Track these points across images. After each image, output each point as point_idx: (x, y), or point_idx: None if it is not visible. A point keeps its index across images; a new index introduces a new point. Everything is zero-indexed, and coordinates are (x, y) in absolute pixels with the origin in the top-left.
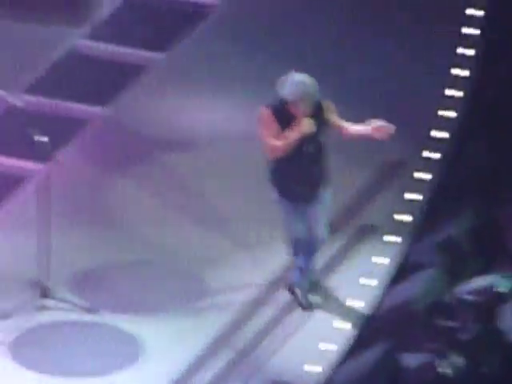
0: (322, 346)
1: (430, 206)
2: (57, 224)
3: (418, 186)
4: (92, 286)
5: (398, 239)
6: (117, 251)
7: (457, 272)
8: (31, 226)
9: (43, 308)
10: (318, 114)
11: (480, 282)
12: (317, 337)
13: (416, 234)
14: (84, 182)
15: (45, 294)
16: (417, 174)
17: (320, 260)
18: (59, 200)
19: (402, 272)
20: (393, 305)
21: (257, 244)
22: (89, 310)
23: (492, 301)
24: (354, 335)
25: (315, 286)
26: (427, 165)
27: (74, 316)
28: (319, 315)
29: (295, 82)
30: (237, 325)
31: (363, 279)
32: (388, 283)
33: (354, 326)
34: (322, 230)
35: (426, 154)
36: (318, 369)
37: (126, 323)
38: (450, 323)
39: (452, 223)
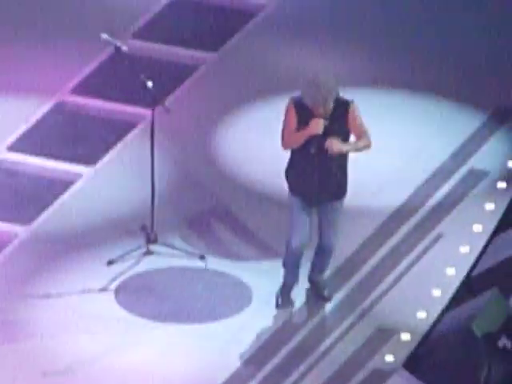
0: (435, 292)
1: None
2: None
3: None
4: (199, 232)
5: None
6: (223, 198)
7: None
8: (137, 172)
9: (150, 254)
10: (339, 114)
11: None
12: (427, 283)
13: None
14: (188, 129)
15: (151, 239)
16: None
17: None
18: (162, 146)
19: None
20: (502, 252)
21: None
22: (196, 256)
23: None
24: (463, 281)
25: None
26: None
27: (181, 262)
28: (429, 261)
29: (308, 84)
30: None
31: (476, 226)
32: (497, 230)
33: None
34: (330, 239)
35: None
36: (425, 315)
37: (232, 269)
38: None
39: None
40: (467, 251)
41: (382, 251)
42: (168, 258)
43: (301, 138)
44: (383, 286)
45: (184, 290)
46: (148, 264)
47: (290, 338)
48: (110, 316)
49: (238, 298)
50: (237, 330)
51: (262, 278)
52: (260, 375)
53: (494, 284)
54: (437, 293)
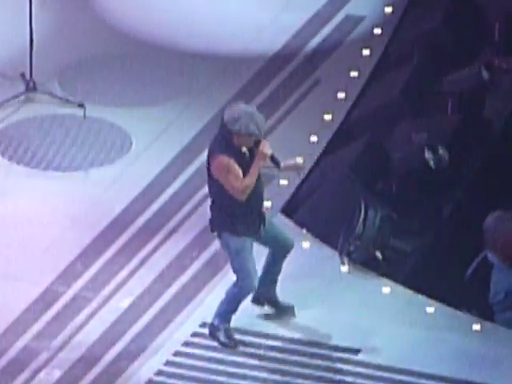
0: (312, 138)
1: None
2: None
3: None
4: (78, 79)
5: None
6: (103, 45)
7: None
8: (15, 19)
9: (29, 101)
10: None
11: (465, 72)
12: (305, 129)
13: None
14: None
15: (30, 87)
16: None
17: None
18: None
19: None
20: (378, 98)
21: None
22: (76, 104)
23: (477, 89)
24: (339, 127)
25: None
26: None
27: (61, 110)
28: (307, 107)
29: (249, 116)
30: None
31: (353, 72)
32: (372, 76)
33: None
34: (288, 240)
35: None
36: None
37: (111, 116)
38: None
39: None
40: (343, 97)
41: (262, 96)
42: (47, 105)
43: (257, 170)
44: None
45: (64, 137)
46: (27, 112)
47: (170, 183)
48: None
49: (117, 144)
50: (117, 176)
51: (141, 124)
52: (141, 219)
53: (370, 129)
54: (314, 138)
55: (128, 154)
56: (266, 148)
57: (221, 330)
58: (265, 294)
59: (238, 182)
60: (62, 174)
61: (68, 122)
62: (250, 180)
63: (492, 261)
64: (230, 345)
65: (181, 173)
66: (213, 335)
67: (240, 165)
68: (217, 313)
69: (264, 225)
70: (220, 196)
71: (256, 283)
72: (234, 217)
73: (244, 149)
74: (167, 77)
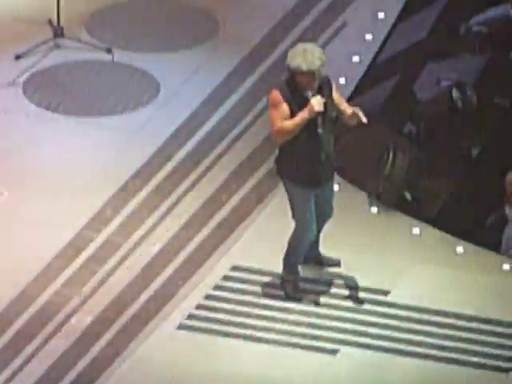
0: (341, 80)
1: None
2: None
3: None
4: (105, 25)
5: None
6: None
7: None
8: None
9: (56, 47)
10: (326, 90)
11: (492, 12)
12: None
13: None
14: None
15: (58, 33)
16: None
17: None
18: None
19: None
20: (404, 37)
21: None
22: (104, 49)
23: (505, 28)
24: (367, 69)
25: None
26: None
27: (89, 56)
28: (335, 49)
29: (300, 51)
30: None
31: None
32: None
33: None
34: (330, 214)
35: None
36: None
37: (139, 62)
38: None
39: None
40: (371, 38)
41: (291, 37)
42: (75, 51)
43: (304, 121)
44: None
45: (92, 83)
46: (55, 58)
47: (199, 127)
48: (19, 110)
49: (145, 90)
50: (144, 121)
51: (170, 70)
52: (169, 164)
53: (397, 71)
54: (342, 80)
55: (156, 99)
56: (316, 103)
57: (288, 282)
58: (309, 254)
59: (278, 121)
60: (90, 120)
61: (96, 67)
62: (289, 125)
63: (509, 214)
64: (296, 297)
65: (210, 117)
66: (282, 287)
67: (299, 108)
68: (283, 265)
69: (327, 179)
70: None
71: (313, 235)
72: (297, 165)
73: (309, 94)
74: (194, 21)
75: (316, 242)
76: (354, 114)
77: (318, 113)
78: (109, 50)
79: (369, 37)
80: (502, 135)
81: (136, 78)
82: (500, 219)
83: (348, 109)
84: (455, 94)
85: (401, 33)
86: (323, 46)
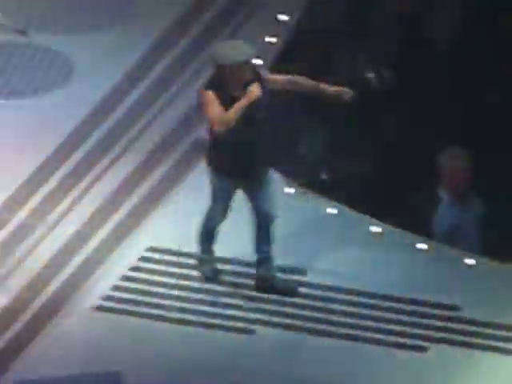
0: None
1: None
2: None
3: None
4: (19, 7)
5: None
6: None
7: None
8: None
9: None
10: (257, 79)
11: None
12: None
13: None
14: None
15: None
16: None
17: None
18: None
19: None
20: (319, 18)
21: None
22: (17, 31)
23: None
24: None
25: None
26: None
27: (2, 37)
28: None
29: (229, 46)
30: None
31: None
32: None
33: None
34: (271, 208)
35: None
36: None
37: (54, 43)
38: None
39: None
40: (286, 19)
41: (202, 21)
42: None
43: (242, 108)
44: None
45: (6, 64)
46: None
47: (112, 109)
48: None
49: (59, 70)
50: (58, 103)
51: (84, 50)
52: (85, 145)
53: (311, 52)
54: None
55: (70, 80)
56: (256, 87)
57: (205, 263)
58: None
59: (218, 109)
60: (2, 102)
61: (10, 48)
62: (230, 113)
63: (441, 196)
64: (212, 277)
65: (123, 100)
66: (198, 268)
67: (230, 105)
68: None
69: (249, 177)
70: (209, 131)
71: (212, 225)
72: (213, 149)
73: (237, 93)
74: (106, 2)
75: (264, 261)
76: (339, 91)
77: (256, 99)
78: (22, 31)
79: (283, 17)
80: (418, 119)
81: (50, 58)
82: (430, 201)
83: (328, 88)
84: (369, 74)
85: (315, 14)
86: (239, 26)
